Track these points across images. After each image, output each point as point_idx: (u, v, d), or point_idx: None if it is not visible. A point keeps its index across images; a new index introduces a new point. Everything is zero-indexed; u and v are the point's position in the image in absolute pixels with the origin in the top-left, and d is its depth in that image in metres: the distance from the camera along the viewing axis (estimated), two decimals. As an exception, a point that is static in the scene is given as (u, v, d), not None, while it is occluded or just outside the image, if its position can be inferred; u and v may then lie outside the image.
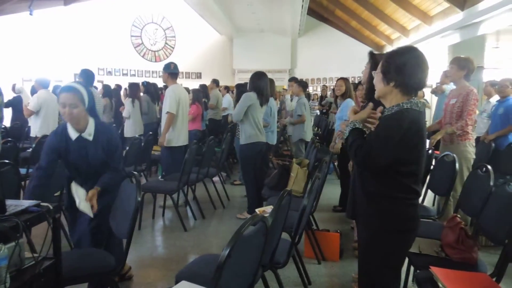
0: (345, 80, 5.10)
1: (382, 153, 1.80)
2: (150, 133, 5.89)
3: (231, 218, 4.81)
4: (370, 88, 2.60)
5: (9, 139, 4.48)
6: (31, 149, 4.99)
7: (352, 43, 15.24)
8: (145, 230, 4.34)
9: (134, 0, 14.43)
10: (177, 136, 4.98)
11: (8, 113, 7.24)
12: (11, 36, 11.55)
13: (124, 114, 6.61)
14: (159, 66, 14.71)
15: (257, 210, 3.42)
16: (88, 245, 2.75)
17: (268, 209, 3.40)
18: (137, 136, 5.70)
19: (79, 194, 2.57)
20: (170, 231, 4.37)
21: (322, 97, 12.17)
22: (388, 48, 13.55)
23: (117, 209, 2.62)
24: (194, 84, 12.17)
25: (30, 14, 10.92)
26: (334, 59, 15.29)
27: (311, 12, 14.47)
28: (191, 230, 4.38)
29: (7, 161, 3.06)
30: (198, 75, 15.53)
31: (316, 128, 10.03)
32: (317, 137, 8.86)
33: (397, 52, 1.92)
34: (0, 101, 3.50)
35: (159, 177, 5.83)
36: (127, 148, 5.02)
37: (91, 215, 2.54)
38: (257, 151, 4.55)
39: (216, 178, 5.74)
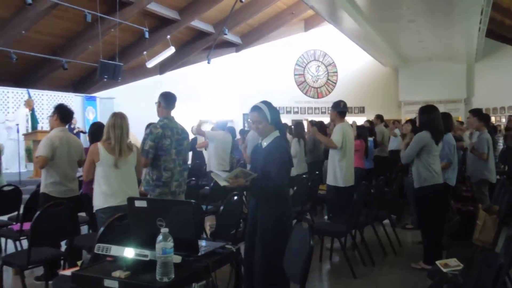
0: None
1: None
2: (317, 172, 6.00)
3: (403, 267, 4.50)
4: None
5: (192, 178, 5.10)
6: (209, 186, 5.56)
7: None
8: (312, 274, 4.36)
9: (298, 41, 15.29)
10: (343, 175, 4.97)
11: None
12: (192, 83, 13.34)
13: (292, 153, 6.85)
14: (321, 103, 15.12)
15: (437, 262, 3.14)
16: (262, 286, 2.90)
17: (451, 262, 3.08)
18: (303, 176, 5.87)
19: (220, 177, 3.01)
20: (338, 276, 4.30)
21: (509, 129, 10.74)
22: None
23: (290, 251, 2.70)
24: (358, 119, 12.13)
25: (208, 62, 12.52)
26: (523, 83, 13.47)
27: (490, 33, 13.13)
28: (360, 276, 4.24)
29: (193, 200, 3.45)
30: (361, 109, 15.40)
31: (502, 166, 8.83)
32: (505, 176, 7.80)
33: None
34: (186, 144, 4.00)
35: (325, 217, 5.86)
36: (295, 188, 5.19)
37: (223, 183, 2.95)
38: (434, 195, 4.23)
39: (386, 221, 5.49)
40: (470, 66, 14.77)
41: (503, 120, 13.83)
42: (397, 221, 6.24)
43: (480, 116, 5.75)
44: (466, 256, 3.34)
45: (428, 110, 4.38)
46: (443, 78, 14.55)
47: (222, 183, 2.98)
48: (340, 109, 5.03)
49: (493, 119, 13.67)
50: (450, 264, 3.08)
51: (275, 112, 3.08)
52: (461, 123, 10.39)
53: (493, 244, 3.72)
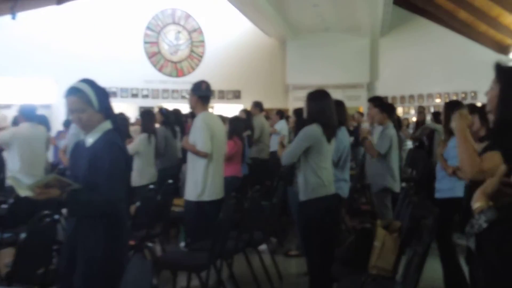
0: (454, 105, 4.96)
1: None
2: (170, 181, 5.99)
3: (285, 308, 4.74)
4: (501, 121, 2.50)
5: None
6: (7, 204, 5.19)
7: (461, 42, 15.04)
8: (161, 324, 4.36)
9: (149, -4, 15.09)
10: (209, 186, 5.04)
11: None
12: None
13: (131, 149, 6.55)
14: (182, 83, 15.15)
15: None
16: None
17: (341, 297, 3.33)
18: (151, 186, 5.81)
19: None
20: (197, 326, 4.36)
21: (418, 124, 11.97)
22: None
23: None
24: (231, 108, 12.36)
25: (13, 18, 11.69)
26: (435, 66, 15.10)
27: (399, 1, 14.50)
28: (227, 324, 4.35)
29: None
30: (237, 94, 15.81)
31: (410, 170, 9.81)
32: (412, 184, 8.66)
33: None
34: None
35: (181, 244, 5.88)
36: (138, 203, 5.12)
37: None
38: (324, 209, 4.50)
39: (263, 247, 5.70)
40: (375, 41, 16.10)
41: (412, 111, 15.34)
42: (278, 246, 6.53)
43: (383, 106, 6.27)
44: (360, 288, 3.63)
45: (317, 97, 4.62)
46: (342, 55, 15.64)
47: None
48: (202, 93, 5.09)
49: (400, 110, 15.09)
50: (340, 300, 3.32)
51: (102, 94, 3.05)
52: (362, 114, 11.32)
53: (392, 270, 4.09)
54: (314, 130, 4.45)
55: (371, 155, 5.97)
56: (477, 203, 1.93)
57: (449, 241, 4.88)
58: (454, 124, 2.73)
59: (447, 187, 4.84)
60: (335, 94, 4.87)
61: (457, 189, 4.56)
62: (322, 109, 4.53)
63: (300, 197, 4.53)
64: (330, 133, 4.53)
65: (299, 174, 4.58)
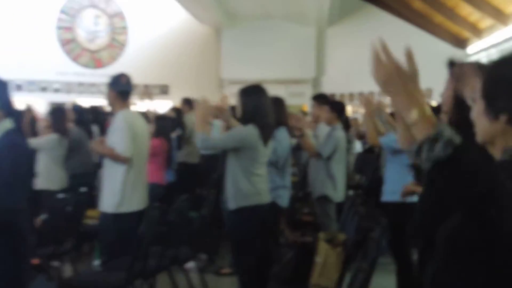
0: None
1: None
2: (84, 189, 5.90)
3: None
4: (456, 121, 2.59)
5: None
6: None
7: (416, 35, 15.33)
8: None
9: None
10: (128, 195, 4.97)
11: None
12: None
13: (34, 144, 6.28)
14: (101, 76, 14.94)
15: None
16: None
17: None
18: (60, 195, 5.71)
19: None
20: None
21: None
22: (475, 44, 13.65)
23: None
24: (158, 105, 12.27)
25: None
26: (387, 61, 15.38)
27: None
28: None
29: None
30: (164, 90, 15.70)
31: (358, 176, 9.98)
32: (360, 190, 8.83)
33: (507, 60, 1.78)
34: None
35: (96, 263, 5.80)
36: (44, 215, 5.03)
37: None
38: (258, 221, 4.52)
39: (190, 265, 5.69)
40: (322, 31, 16.28)
41: (362, 111, 15.58)
42: (208, 263, 6.53)
43: (333, 105, 6.35)
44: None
45: (251, 93, 4.63)
46: (285, 47, 15.74)
47: None
48: (121, 88, 5.02)
49: (349, 110, 15.31)
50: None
51: (2, 88, 3.05)
52: (306, 113, 11.44)
53: (336, 288, 4.16)
54: (249, 133, 4.44)
55: (309, 154, 6.04)
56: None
57: (405, 253, 4.97)
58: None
59: (395, 188, 4.77)
60: (277, 91, 4.88)
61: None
62: (257, 106, 4.55)
63: (230, 205, 4.54)
64: (266, 135, 4.54)
65: (227, 178, 4.57)
